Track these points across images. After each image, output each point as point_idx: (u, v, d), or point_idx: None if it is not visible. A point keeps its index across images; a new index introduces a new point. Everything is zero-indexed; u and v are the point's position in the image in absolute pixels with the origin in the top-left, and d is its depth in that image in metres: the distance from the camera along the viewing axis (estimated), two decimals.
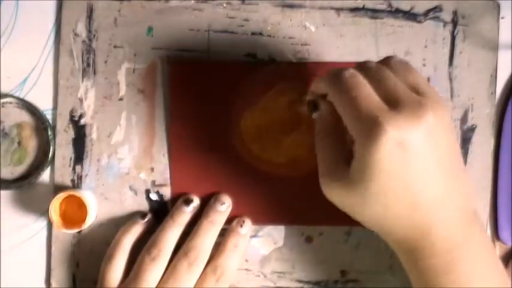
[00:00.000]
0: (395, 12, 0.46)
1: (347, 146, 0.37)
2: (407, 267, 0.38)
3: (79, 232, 0.46)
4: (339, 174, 0.36)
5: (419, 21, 0.46)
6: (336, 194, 0.37)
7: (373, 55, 0.45)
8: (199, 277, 0.43)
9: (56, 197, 0.43)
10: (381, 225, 0.37)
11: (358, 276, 0.46)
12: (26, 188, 0.46)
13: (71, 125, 0.46)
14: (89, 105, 0.45)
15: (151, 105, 0.46)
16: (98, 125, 0.45)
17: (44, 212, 0.45)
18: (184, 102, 0.45)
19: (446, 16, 0.46)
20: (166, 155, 0.46)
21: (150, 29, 0.46)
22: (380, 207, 0.35)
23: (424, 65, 0.46)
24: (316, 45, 0.46)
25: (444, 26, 0.46)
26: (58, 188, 0.45)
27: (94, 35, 0.45)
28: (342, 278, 0.46)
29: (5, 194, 0.46)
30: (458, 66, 0.46)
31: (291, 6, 0.46)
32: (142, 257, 0.43)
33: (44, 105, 0.46)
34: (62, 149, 0.46)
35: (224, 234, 0.45)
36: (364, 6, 0.46)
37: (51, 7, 0.46)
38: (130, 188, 0.46)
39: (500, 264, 0.39)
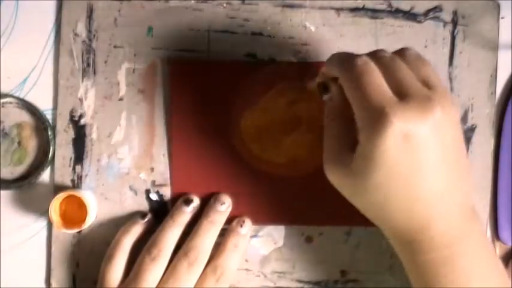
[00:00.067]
0: (395, 12, 0.46)
1: (354, 132, 0.37)
2: (405, 262, 0.38)
3: (79, 232, 0.46)
4: (343, 160, 0.36)
5: (419, 21, 0.46)
6: (337, 179, 0.37)
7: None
8: (199, 277, 0.43)
9: (56, 197, 0.43)
10: (380, 214, 0.37)
11: (358, 276, 0.46)
12: (26, 188, 0.46)
13: (71, 125, 0.46)
14: (89, 105, 0.45)
15: (151, 105, 0.46)
16: (98, 125, 0.45)
17: (44, 212, 0.45)
18: (184, 102, 0.45)
19: (446, 16, 0.46)
20: (166, 155, 0.46)
21: (150, 29, 0.46)
22: (380, 197, 0.35)
23: None
24: (316, 45, 0.46)
25: (444, 26, 0.46)
26: (58, 188, 0.45)
27: (94, 35, 0.45)
28: (342, 278, 0.46)
29: (5, 194, 0.46)
30: (458, 66, 0.46)
31: (291, 6, 0.46)
32: (142, 257, 0.43)
33: (44, 105, 0.46)
34: (62, 149, 0.46)
35: (224, 234, 0.45)
36: (364, 6, 0.46)
37: (51, 7, 0.46)
38: (130, 188, 0.46)
39: (498, 261, 0.39)
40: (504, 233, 0.46)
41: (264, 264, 0.46)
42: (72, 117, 0.46)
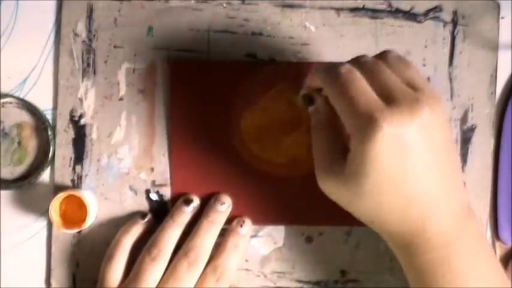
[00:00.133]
0: (395, 12, 0.46)
1: (343, 139, 0.37)
2: (403, 264, 0.38)
3: (79, 232, 0.46)
4: (335, 169, 0.36)
5: (419, 21, 0.46)
6: (330, 188, 0.37)
7: (373, 55, 0.45)
8: (199, 277, 0.43)
9: (56, 197, 0.43)
10: (375, 219, 0.37)
11: (358, 276, 0.46)
12: (26, 188, 0.46)
13: (71, 125, 0.46)
14: (89, 105, 0.45)
15: (151, 105, 0.46)
16: (98, 125, 0.45)
17: (44, 212, 0.45)
18: (184, 102, 0.45)
19: (446, 16, 0.46)
20: (166, 155, 0.46)
21: (150, 29, 0.46)
22: (375, 202, 0.35)
23: (424, 65, 0.46)
24: (316, 45, 0.46)
25: (444, 26, 0.46)
26: (58, 188, 0.45)
27: (94, 35, 0.45)
28: (342, 278, 0.46)
29: (5, 194, 0.46)
30: (458, 66, 0.46)
31: (291, 6, 0.46)
32: (142, 257, 0.43)
33: (44, 105, 0.46)
34: (62, 149, 0.46)
35: (224, 234, 0.45)
36: (364, 6, 0.46)
37: (51, 7, 0.46)
38: (130, 188, 0.46)
39: (495, 259, 0.39)
40: (504, 233, 0.46)
41: (264, 264, 0.46)
42: (72, 117, 0.46)
